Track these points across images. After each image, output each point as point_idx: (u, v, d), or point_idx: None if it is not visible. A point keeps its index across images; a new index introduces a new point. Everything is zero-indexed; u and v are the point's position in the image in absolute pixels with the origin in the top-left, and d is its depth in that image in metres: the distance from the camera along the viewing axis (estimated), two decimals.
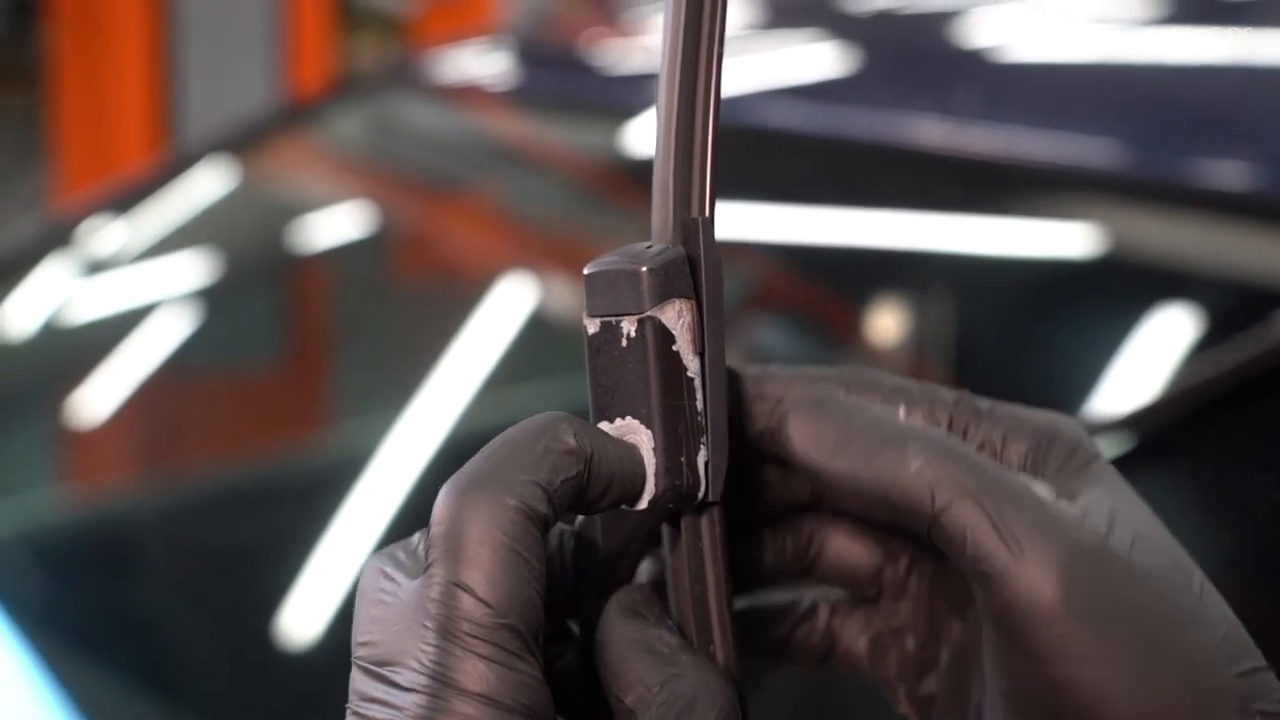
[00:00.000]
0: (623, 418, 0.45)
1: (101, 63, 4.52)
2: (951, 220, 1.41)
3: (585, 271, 0.47)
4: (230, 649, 1.42)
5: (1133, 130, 1.36)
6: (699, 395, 0.46)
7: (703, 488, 0.46)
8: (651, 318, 0.45)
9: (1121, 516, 0.45)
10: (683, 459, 0.45)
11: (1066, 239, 1.35)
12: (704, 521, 0.47)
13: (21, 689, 1.27)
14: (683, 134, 0.47)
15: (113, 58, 4.51)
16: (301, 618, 1.38)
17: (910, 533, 0.47)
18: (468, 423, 1.60)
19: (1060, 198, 1.36)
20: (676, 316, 0.45)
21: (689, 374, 0.46)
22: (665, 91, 0.47)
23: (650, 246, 0.47)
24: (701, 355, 0.46)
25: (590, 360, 0.46)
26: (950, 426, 0.48)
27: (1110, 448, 1.03)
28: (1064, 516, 0.44)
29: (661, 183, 0.47)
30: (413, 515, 1.48)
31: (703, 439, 0.46)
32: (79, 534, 1.68)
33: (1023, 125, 1.40)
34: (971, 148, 1.39)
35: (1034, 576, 0.43)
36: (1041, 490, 0.45)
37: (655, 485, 0.45)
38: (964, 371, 1.31)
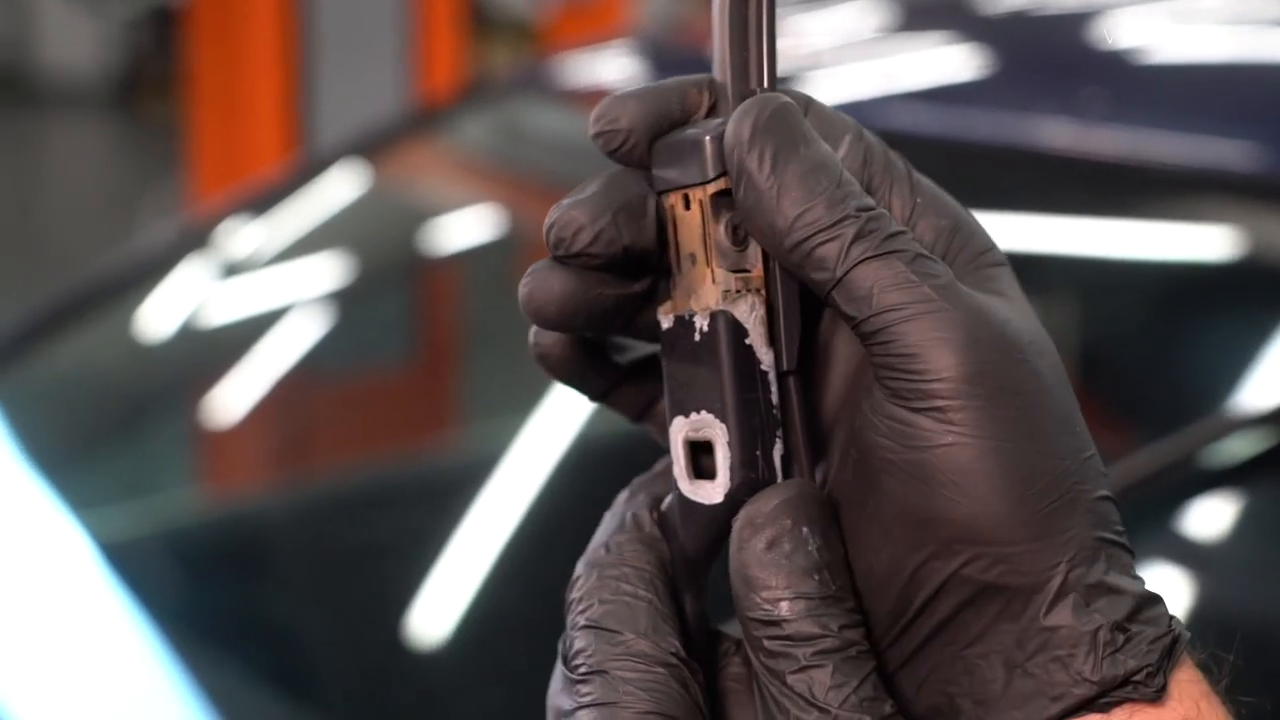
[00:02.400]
0: (698, 412, 0.45)
1: (237, 71, 4.59)
2: (1083, 223, 1.39)
3: (655, 145, 0.46)
4: (359, 648, 1.43)
5: (1270, 132, 1.33)
6: (773, 388, 0.45)
7: (778, 480, 0.45)
8: (724, 312, 0.45)
9: (1021, 318, 0.45)
10: (758, 452, 0.45)
11: (1202, 242, 1.33)
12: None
13: (157, 683, 1.29)
14: (737, 6, 0.46)
15: (248, 66, 4.58)
16: (429, 619, 1.39)
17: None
18: (595, 426, 1.60)
19: (1196, 200, 1.34)
20: (749, 310, 0.45)
21: (763, 367, 0.45)
22: None
23: (718, 120, 0.46)
24: (775, 344, 0.46)
25: (665, 355, 0.46)
26: (873, 180, 0.47)
27: (1253, 443, 1.02)
28: (972, 293, 0.44)
29: (720, 59, 0.47)
30: (540, 518, 1.49)
31: (778, 432, 0.45)
32: (213, 533, 1.71)
33: (1157, 127, 1.38)
34: (1104, 150, 1.37)
35: (934, 332, 0.43)
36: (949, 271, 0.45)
37: (730, 479, 0.45)
38: (1095, 372, 1.29)
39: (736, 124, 0.45)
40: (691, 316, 0.45)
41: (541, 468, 1.54)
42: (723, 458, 0.45)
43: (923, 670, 0.44)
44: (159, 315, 1.91)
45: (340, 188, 2.10)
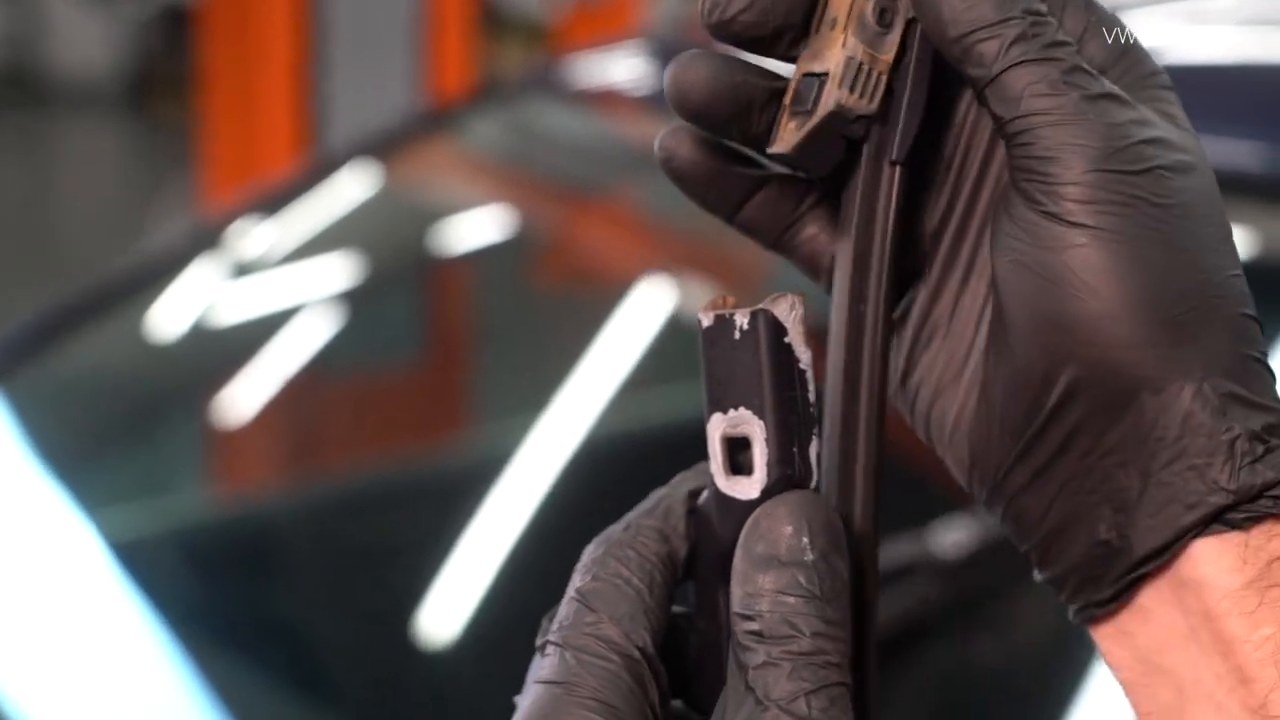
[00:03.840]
0: (736, 409, 0.46)
1: (249, 72, 4.59)
2: None
3: None
4: (370, 648, 1.43)
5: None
6: (811, 386, 0.46)
7: (814, 478, 0.46)
8: (764, 310, 0.46)
9: (1179, 137, 0.45)
10: (794, 449, 0.46)
11: None
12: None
13: (168, 684, 1.30)
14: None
15: (260, 67, 4.58)
16: (440, 617, 1.39)
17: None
18: (606, 425, 1.60)
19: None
20: (789, 309, 0.46)
21: (801, 366, 0.46)
22: None
23: None
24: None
25: (704, 353, 0.47)
26: None
27: None
28: (1124, 108, 0.45)
29: None
30: (551, 518, 1.49)
31: (814, 430, 0.46)
32: (224, 533, 1.71)
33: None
34: None
35: (1074, 139, 0.43)
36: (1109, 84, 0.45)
37: (767, 475, 0.45)
38: None
39: None
40: (732, 314, 0.46)
41: (552, 467, 1.54)
42: (760, 454, 0.46)
43: (1054, 484, 0.44)
44: (170, 315, 1.92)
45: (352, 188, 2.10)
